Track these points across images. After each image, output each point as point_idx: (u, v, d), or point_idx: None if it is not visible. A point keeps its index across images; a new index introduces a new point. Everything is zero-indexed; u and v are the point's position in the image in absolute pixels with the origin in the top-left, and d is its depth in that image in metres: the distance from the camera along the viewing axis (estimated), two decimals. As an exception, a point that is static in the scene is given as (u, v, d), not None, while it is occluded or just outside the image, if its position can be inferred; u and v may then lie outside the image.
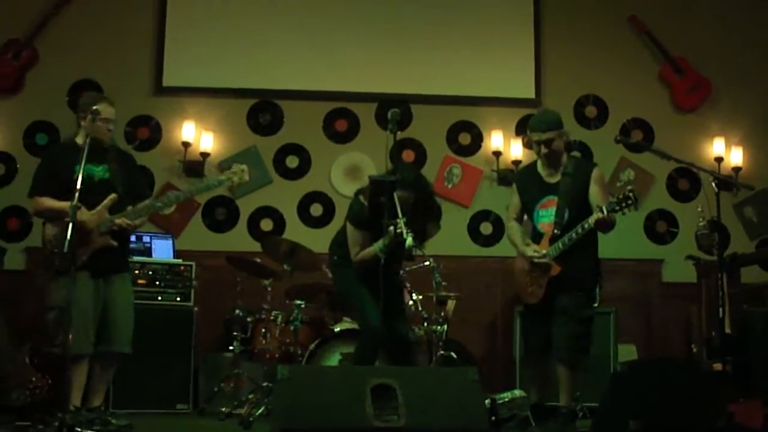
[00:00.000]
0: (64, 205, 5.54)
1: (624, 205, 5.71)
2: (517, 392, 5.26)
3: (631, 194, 5.69)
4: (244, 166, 6.35)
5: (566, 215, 6.04)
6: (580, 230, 5.88)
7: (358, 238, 6.18)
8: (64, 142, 5.94)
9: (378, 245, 5.94)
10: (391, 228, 5.57)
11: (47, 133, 8.83)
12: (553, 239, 6.03)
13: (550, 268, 6.00)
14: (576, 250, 6.00)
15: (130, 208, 5.96)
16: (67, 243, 5.10)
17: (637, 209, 5.85)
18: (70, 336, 5.45)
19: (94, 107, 5.79)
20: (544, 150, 6.14)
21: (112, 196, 5.91)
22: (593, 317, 6.09)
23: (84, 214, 5.67)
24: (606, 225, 5.84)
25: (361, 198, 6.17)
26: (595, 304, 6.53)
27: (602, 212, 5.74)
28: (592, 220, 5.81)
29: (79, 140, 5.93)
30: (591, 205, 6.01)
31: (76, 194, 5.24)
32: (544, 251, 6.05)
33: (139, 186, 6.34)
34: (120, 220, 5.89)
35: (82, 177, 5.51)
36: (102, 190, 5.92)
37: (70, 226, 5.16)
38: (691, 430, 4.76)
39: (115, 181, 6.04)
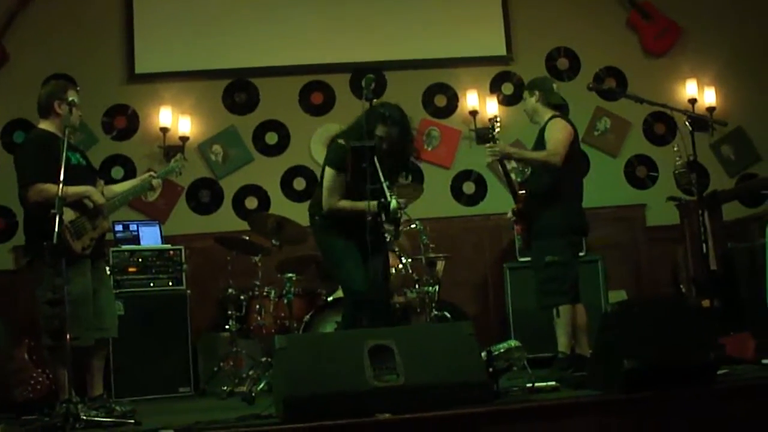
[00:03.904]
0: (82, 189, 5.75)
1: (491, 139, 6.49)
2: (513, 343, 5.29)
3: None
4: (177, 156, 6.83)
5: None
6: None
7: (339, 183, 6.02)
8: (42, 132, 5.92)
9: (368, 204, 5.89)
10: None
11: (24, 131, 8.75)
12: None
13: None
14: (542, 202, 6.46)
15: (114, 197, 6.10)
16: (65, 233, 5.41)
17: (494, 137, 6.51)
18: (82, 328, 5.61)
19: (70, 98, 5.82)
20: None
21: (102, 182, 6.09)
22: (556, 262, 6.35)
23: (100, 198, 5.86)
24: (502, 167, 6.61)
25: (340, 141, 6.06)
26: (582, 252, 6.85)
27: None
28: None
29: (52, 129, 5.90)
30: None
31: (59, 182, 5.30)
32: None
33: None
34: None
35: (73, 164, 5.75)
36: (88, 176, 6.02)
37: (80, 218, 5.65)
38: (683, 365, 4.84)
39: (91, 167, 6.22)
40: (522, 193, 6.61)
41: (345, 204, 6.04)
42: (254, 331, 7.56)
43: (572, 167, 6.43)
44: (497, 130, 6.50)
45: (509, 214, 6.75)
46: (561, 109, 6.66)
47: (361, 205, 5.74)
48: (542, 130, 6.51)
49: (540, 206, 6.46)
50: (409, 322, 7.59)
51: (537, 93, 6.64)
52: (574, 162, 6.46)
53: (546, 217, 6.43)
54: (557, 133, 6.40)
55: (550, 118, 6.51)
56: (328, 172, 6.10)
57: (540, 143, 6.49)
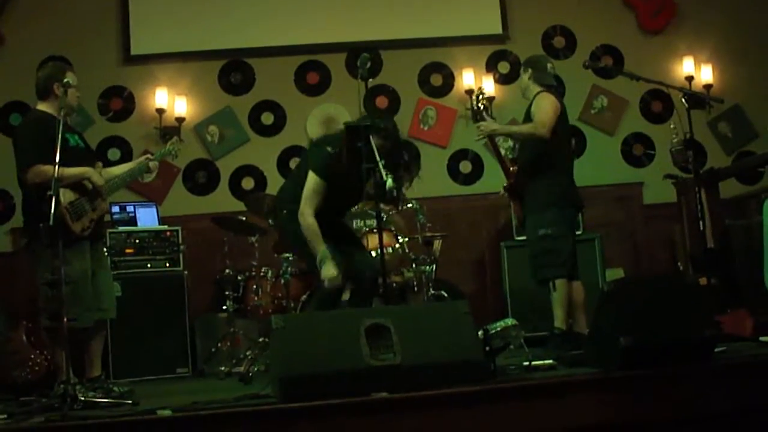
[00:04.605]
0: (81, 170, 5.76)
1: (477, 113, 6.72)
2: (510, 321, 5.28)
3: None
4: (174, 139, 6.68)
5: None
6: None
7: (320, 193, 5.93)
8: (40, 114, 5.91)
9: (325, 254, 5.88)
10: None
11: (21, 113, 8.72)
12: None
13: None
14: (530, 176, 6.57)
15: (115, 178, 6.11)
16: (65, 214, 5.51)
17: (486, 112, 6.74)
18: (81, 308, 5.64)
19: (66, 79, 5.78)
20: None
21: (100, 164, 6.07)
22: (549, 234, 6.43)
23: (100, 179, 5.86)
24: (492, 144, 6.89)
25: (329, 149, 5.95)
26: (578, 230, 6.92)
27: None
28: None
29: (50, 110, 5.88)
30: None
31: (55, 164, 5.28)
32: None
33: None
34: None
35: (71, 146, 5.75)
36: (87, 158, 6.02)
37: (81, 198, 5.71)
38: (681, 343, 4.84)
39: (89, 149, 6.23)
40: (513, 169, 6.67)
41: (312, 224, 5.92)
42: (251, 311, 7.57)
43: (559, 142, 6.49)
44: (482, 106, 6.66)
45: (501, 191, 6.86)
46: (556, 89, 6.73)
47: (320, 246, 5.86)
48: (530, 105, 6.61)
49: (529, 180, 6.56)
50: (406, 301, 7.60)
51: (530, 71, 6.74)
52: (560, 137, 6.51)
53: (535, 190, 6.53)
54: (543, 106, 6.48)
55: (537, 93, 6.59)
56: (312, 178, 5.96)
57: (528, 118, 6.59)
